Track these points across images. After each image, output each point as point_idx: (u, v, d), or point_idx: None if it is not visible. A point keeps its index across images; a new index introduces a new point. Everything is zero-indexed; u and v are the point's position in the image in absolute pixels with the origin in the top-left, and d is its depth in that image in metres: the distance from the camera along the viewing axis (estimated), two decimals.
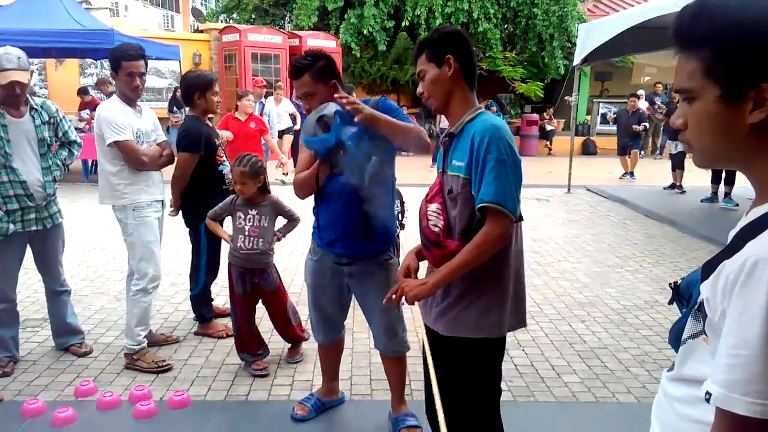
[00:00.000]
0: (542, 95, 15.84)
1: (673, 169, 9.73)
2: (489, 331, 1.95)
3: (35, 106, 3.30)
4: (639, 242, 6.65)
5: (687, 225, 7.32)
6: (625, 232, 7.21)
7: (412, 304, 1.99)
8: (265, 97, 10.32)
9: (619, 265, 5.68)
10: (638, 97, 11.63)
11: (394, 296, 2.01)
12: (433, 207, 1.97)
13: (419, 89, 2.03)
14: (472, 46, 2.01)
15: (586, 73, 16.02)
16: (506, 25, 16.20)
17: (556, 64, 15.51)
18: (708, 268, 0.96)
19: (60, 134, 3.43)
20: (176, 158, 3.67)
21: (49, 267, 3.53)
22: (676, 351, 1.06)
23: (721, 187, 8.44)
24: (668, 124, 9.67)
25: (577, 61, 9.54)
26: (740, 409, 0.83)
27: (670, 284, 1.16)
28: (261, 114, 9.19)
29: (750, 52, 0.87)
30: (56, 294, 3.59)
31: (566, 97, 10.55)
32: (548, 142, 16.27)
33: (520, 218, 1.95)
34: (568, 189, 10.06)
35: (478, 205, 1.83)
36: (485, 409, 2.05)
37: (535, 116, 16.40)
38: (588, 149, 16.27)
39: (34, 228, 3.33)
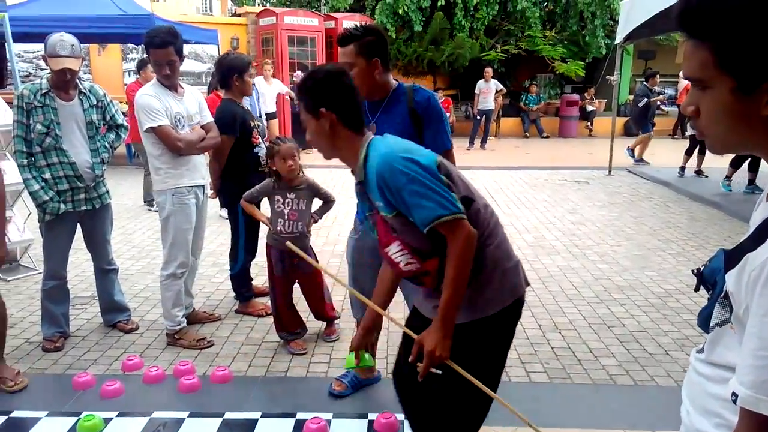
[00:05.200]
0: (583, 75, 15.48)
1: (689, 153, 9.11)
2: (481, 312, 1.84)
3: (84, 90, 3.40)
4: (682, 225, 6.49)
5: (732, 208, 7.09)
6: (667, 214, 7.04)
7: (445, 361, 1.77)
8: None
9: (660, 248, 5.56)
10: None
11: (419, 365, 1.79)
12: (394, 248, 1.87)
13: (306, 137, 1.94)
14: (347, 84, 1.87)
15: (629, 52, 15.59)
16: (546, 3, 15.85)
17: (597, 42, 15.12)
18: (730, 258, 0.94)
19: (108, 118, 3.54)
20: None
21: (97, 246, 3.65)
22: (706, 332, 1.05)
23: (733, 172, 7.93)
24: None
25: (619, 38, 9.29)
26: (766, 410, 0.83)
27: (693, 271, 1.15)
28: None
29: (765, 44, 0.83)
30: (104, 272, 3.72)
31: (608, 77, 10.29)
32: (589, 123, 15.94)
33: (470, 201, 1.81)
34: (609, 171, 9.85)
35: (425, 231, 1.71)
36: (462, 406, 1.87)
37: (576, 96, 16.05)
38: (630, 130, 15.82)
39: (84, 208, 3.45)
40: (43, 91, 3.26)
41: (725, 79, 0.87)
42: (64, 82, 3.28)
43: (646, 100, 10.17)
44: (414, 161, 1.72)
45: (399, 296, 2.92)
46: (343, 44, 2.53)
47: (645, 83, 10.55)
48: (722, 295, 0.99)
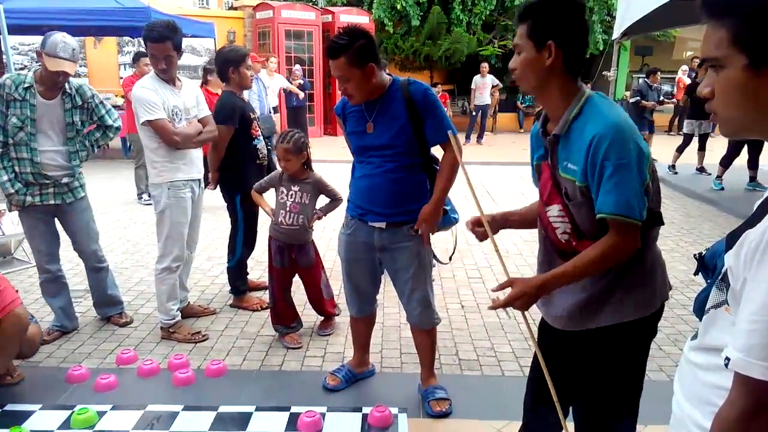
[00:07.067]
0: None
1: (680, 150, 9.28)
2: (636, 313, 1.75)
3: (68, 90, 3.32)
4: (676, 221, 6.52)
5: (726, 204, 7.13)
6: (662, 210, 7.04)
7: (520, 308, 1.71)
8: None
9: None
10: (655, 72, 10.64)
11: (498, 296, 1.71)
12: (555, 210, 1.72)
13: (511, 63, 1.69)
14: (585, 22, 1.64)
15: (626, 48, 15.55)
16: None
17: (595, 38, 15.12)
18: (732, 239, 0.95)
19: (95, 119, 3.48)
20: None
21: (80, 243, 3.58)
22: (700, 320, 1.06)
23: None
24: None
25: (616, 34, 9.25)
26: (757, 374, 0.84)
27: (695, 255, 1.16)
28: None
29: None
30: (95, 270, 3.68)
31: (604, 72, 10.25)
32: None
33: (659, 222, 1.71)
34: None
35: (598, 217, 1.58)
36: (620, 406, 1.88)
37: None
38: None
39: (52, 202, 3.38)
40: (26, 85, 3.20)
41: (738, 57, 0.90)
42: (53, 83, 3.23)
43: (638, 98, 10.14)
44: (638, 150, 1.53)
45: (393, 292, 2.92)
46: (332, 56, 2.42)
47: (646, 79, 10.52)
48: (720, 277, 1.00)
